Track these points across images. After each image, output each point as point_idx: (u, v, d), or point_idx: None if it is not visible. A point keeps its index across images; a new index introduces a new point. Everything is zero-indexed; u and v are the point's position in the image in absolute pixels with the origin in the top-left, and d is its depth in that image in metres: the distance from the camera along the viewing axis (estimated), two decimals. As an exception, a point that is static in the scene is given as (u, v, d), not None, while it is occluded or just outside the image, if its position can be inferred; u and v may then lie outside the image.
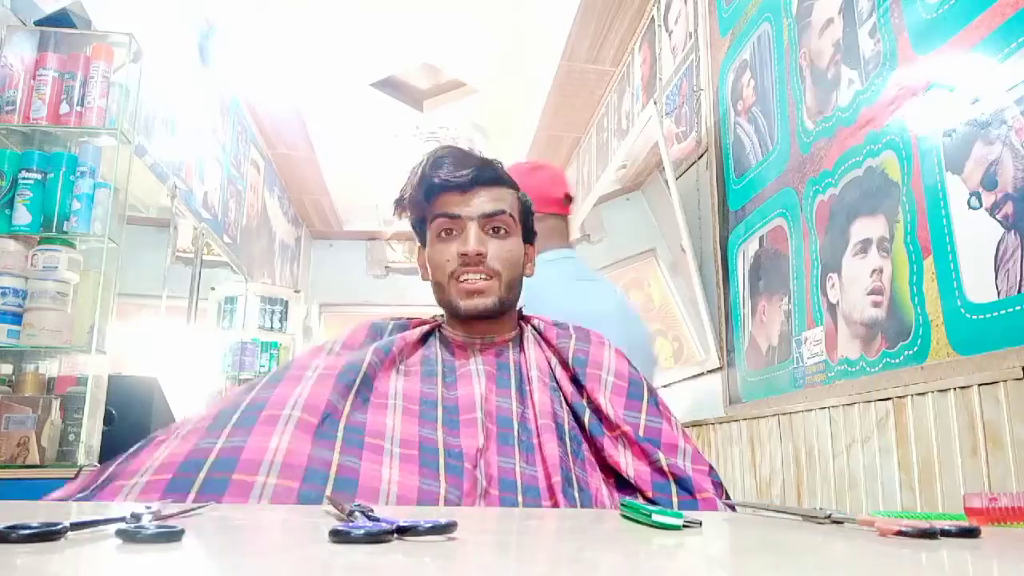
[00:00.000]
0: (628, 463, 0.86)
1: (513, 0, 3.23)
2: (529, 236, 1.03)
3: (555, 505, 0.79)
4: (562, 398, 0.93)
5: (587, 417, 0.90)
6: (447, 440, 0.82)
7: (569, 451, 0.86)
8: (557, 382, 0.95)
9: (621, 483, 0.87)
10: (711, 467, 0.89)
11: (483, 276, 0.93)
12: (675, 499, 0.84)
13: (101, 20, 2.14)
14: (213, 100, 3.56)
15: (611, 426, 0.89)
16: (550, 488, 0.80)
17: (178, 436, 0.79)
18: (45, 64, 1.89)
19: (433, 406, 0.87)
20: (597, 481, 0.85)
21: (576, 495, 0.80)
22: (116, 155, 1.93)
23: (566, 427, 0.89)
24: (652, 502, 0.83)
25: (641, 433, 0.89)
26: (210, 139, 3.50)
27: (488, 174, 0.96)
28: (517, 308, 1.04)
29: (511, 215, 0.97)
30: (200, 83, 3.34)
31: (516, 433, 0.86)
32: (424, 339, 0.99)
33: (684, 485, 0.85)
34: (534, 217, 1.04)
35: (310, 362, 0.90)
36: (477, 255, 0.92)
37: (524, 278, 1.01)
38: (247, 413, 0.80)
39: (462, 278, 0.93)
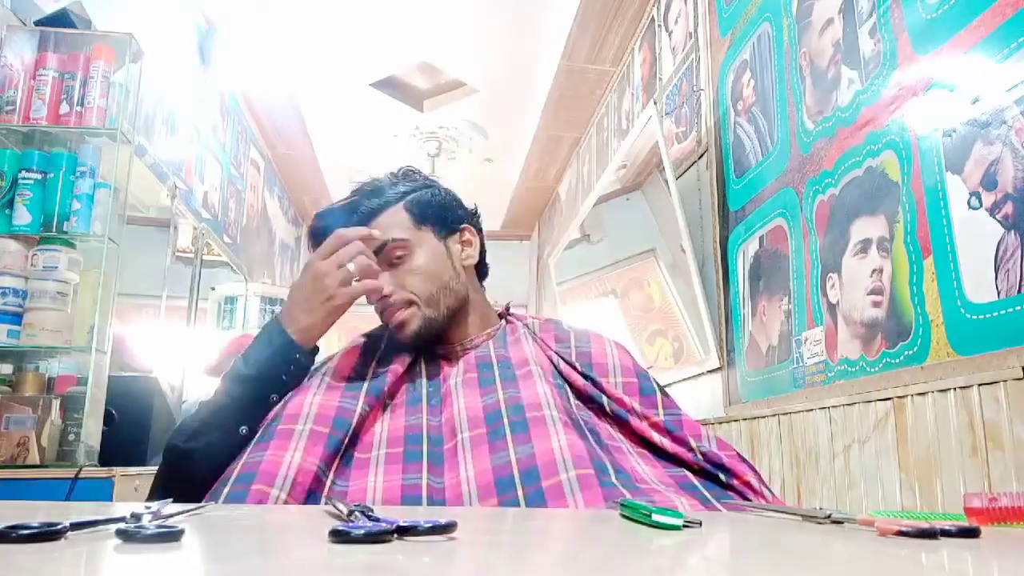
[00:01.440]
0: (661, 439, 0.86)
1: (513, 0, 3.23)
2: (450, 224, 0.97)
3: (555, 482, 0.74)
4: (569, 393, 0.91)
5: (607, 402, 0.89)
6: (431, 484, 0.78)
7: (592, 442, 0.83)
8: (564, 378, 0.93)
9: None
10: (738, 453, 0.87)
11: (397, 311, 0.92)
12: (722, 477, 0.83)
13: (101, 20, 2.14)
14: (213, 100, 3.56)
15: (638, 416, 0.88)
16: (548, 465, 0.76)
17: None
18: (45, 64, 1.89)
19: (418, 440, 0.83)
20: (632, 461, 0.83)
21: (614, 479, 0.76)
22: (116, 155, 1.93)
23: (580, 421, 0.86)
24: (702, 472, 0.82)
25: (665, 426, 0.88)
26: (210, 139, 3.50)
27: (361, 210, 0.93)
28: (487, 302, 1.01)
29: (399, 237, 0.92)
30: (200, 83, 3.34)
31: (506, 422, 0.82)
32: (415, 357, 0.96)
33: (722, 470, 0.84)
34: None
35: (302, 407, 0.85)
36: (381, 299, 0.91)
37: (461, 272, 0.97)
38: (237, 487, 0.76)
39: (386, 318, 0.93)
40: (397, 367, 0.93)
